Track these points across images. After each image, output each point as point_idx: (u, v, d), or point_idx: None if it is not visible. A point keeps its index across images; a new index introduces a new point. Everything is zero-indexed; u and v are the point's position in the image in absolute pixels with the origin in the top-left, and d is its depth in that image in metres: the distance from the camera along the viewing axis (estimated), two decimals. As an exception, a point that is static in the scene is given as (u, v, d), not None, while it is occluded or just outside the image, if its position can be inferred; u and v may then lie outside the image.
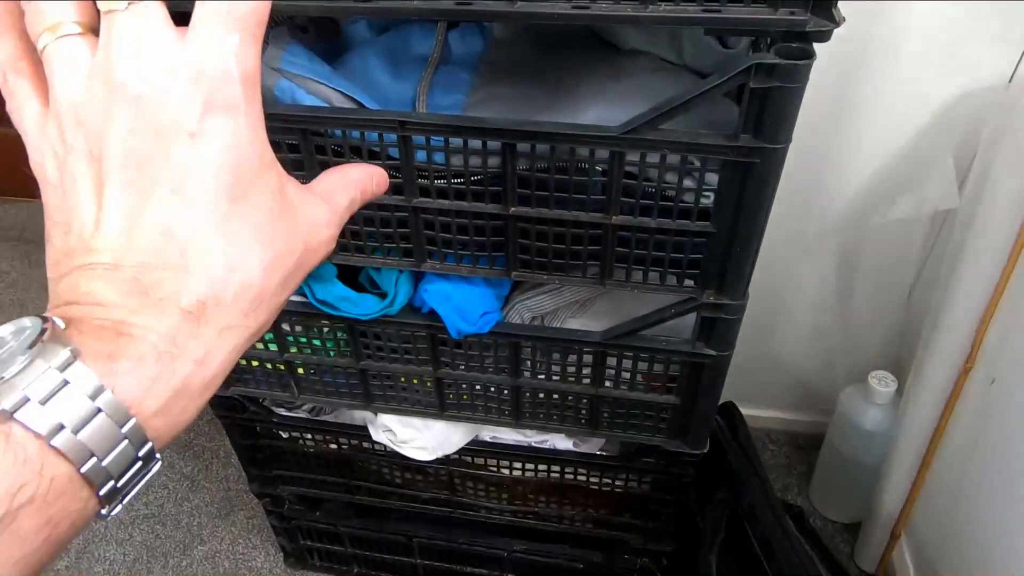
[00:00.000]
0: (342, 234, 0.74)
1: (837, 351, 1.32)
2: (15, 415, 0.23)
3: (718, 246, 0.69)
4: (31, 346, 0.24)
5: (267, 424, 1.04)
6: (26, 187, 1.91)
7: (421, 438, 0.94)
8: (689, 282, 0.73)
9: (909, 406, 1.13)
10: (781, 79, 0.56)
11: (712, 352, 0.78)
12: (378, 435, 0.97)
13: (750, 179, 0.63)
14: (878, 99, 1.01)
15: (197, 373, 0.27)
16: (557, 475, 1.00)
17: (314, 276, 0.82)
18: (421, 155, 0.68)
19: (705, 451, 0.90)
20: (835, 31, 0.90)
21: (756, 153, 0.61)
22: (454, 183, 0.69)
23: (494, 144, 0.65)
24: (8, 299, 1.85)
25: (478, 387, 0.90)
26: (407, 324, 0.83)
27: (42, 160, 0.29)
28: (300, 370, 0.93)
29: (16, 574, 0.23)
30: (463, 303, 0.78)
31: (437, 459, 0.97)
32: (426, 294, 0.79)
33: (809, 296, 1.26)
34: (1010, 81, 0.96)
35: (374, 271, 0.83)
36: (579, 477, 1.00)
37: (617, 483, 1.00)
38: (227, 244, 0.27)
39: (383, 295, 0.81)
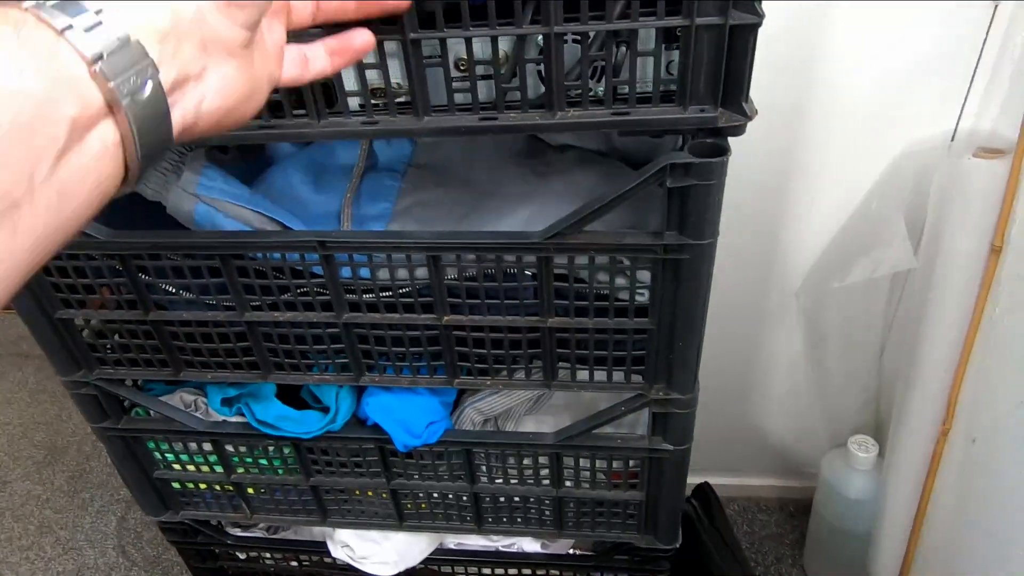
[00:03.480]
0: (275, 353, 0.72)
1: (816, 415, 1.29)
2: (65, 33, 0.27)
3: (660, 341, 0.66)
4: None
5: (223, 546, 0.99)
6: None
7: (381, 552, 0.90)
8: (637, 378, 0.70)
9: (891, 472, 1.10)
10: (697, 177, 0.55)
11: (669, 447, 0.74)
12: (337, 551, 0.92)
13: (682, 274, 0.61)
14: (825, 165, 1.01)
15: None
16: (529, 578, 0.96)
17: (253, 396, 0.79)
18: (346, 271, 0.66)
19: (677, 545, 0.86)
20: (776, 100, 0.90)
21: (684, 250, 0.59)
22: (383, 296, 0.67)
23: (418, 256, 0.63)
24: (-28, 416, 1.81)
25: (436, 495, 0.86)
26: (353, 439, 0.79)
27: None
28: (250, 490, 0.89)
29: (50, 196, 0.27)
30: (406, 415, 0.75)
31: (401, 572, 0.92)
32: (368, 407, 0.76)
33: (781, 363, 1.23)
34: (952, 140, 0.95)
35: (315, 386, 0.79)
36: (552, 579, 0.96)
37: (592, 582, 0.96)
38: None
39: (326, 409, 0.78)
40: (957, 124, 0.95)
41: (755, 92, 0.54)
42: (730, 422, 1.32)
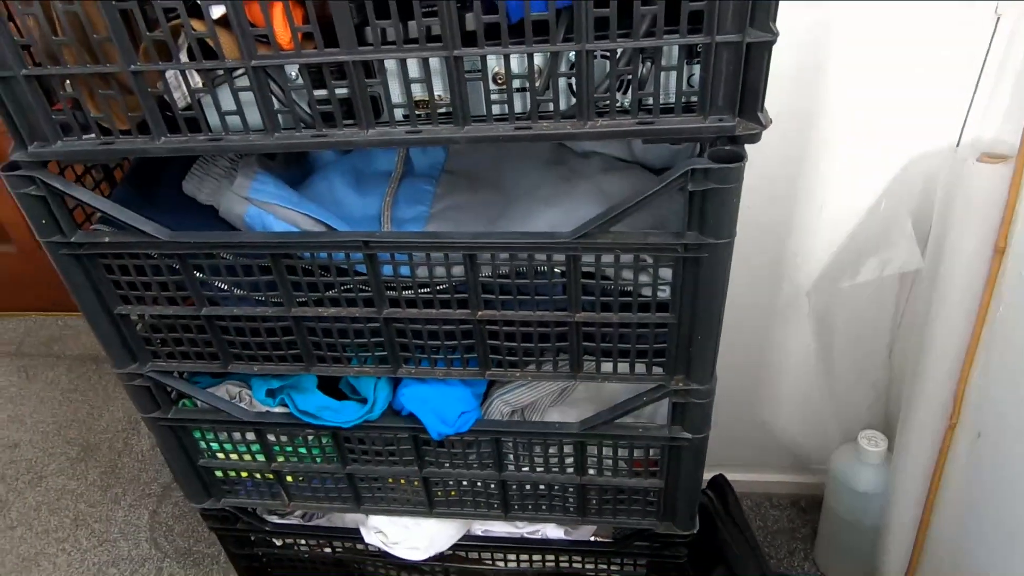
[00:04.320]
0: (318, 347, 0.76)
1: (826, 412, 1.33)
2: None
3: (680, 335, 0.71)
4: None
5: (260, 533, 1.04)
6: (23, 301, 1.94)
7: (413, 537, 0.95)
8: (658, 370, 0.75)
9: (900, 466, 1.14)
10: (716, 181, 0.59)
11: (688, 435, 0.79)
12: (370, 537, 0.97)
13: (701, 271, 0.66)
14: (836, 171, 1.05)
15: None
16: (552, 564, 1.00)
17: (295, 387, 0.84)
18: (387, 269, 0.71)
19: (695, 531, 0.90)
20: (789, 110, 0.95)
21: (704, 248, 0.64)
22: (421, 293, 0.72)
23: (455, 255, 0.68)
24: (7, 414, 1.87)
25: (465, 483, 0.90)
26: (389, 428, 0.84)
27: None
28: (289, 478, 0.94)
29: None
30: (440, 405, 0.80)
31: (431, 557, 0.97)
32: (404, 398, 0.81)
33: (792, 361, 1.27)
34: (957, 146, 0.99)
35: (353, 378, 0.84)
36: (575, 565, 1.00)
37: (612, 568, 1.00)
38: None
39: (364, 400, 0.83)
40: (962, 131, 0.99)
41: (769, 101, 0.59)
42: (743, 419, 1.36)
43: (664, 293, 0.68)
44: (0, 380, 1.97)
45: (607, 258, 0.67)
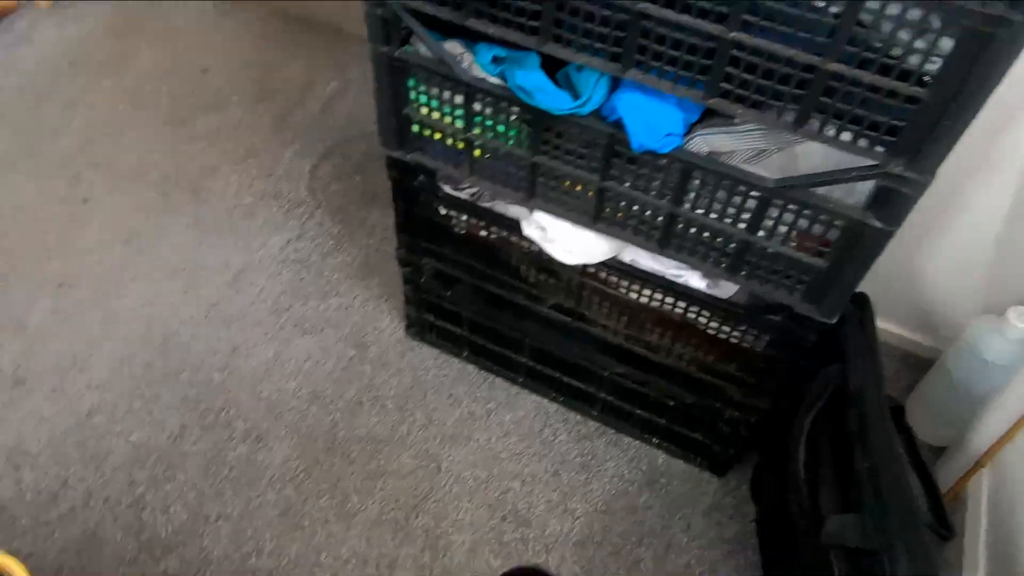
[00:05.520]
0: (558, 23, 0.77)
1: (979, 281, 1.29)
2: None
3: (925, 117, 0.69)
4: None
5: (430, 196, 1.12)
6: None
7: (571, 241, 1.01)
8: (880, 149, 0.74)
9: (1042, 346, 1.12)
10: (1064, -52, 0.54)
11: (879, 225, 0.79)
12: (530, 230, 1.04)
13: (986, 53, 0.62)
14: None
15: None
16: (681, 311, 1.06)
17: (518, 63, 0.87)
18: (661, -42, 0.69)
19: (834, 322, 0.93)
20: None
21: (1005, 24, 0.60)
22: (683, -9, 0.71)
23: (737, -39, 0.66)
24: (203, 41, 1.99)
25: (636, 207, 0.94)
26: (590, 128, 0.87)
27: None
28: (477, 152, 1.00)
29: None
30: (652, 118, 0.82)
31: (575, 265, 1.04)
32: (619, 101, 0.83)
33: (974, 216, 1.22)
34: None
35: (574, 71, 0.86)
36: (701, 318, 1.06)
37: (735, 333, 1.05)
38: None
39: (576, 96, 0.86)
40: None
41: None
42: (894, 263, 1.33)
43: (933, 66, 0.66)
44: (196, 11, 2.08)
45: (892, 9, 0.64)
